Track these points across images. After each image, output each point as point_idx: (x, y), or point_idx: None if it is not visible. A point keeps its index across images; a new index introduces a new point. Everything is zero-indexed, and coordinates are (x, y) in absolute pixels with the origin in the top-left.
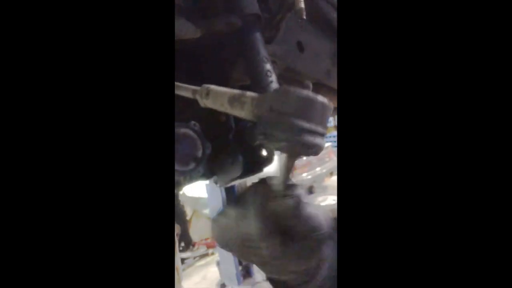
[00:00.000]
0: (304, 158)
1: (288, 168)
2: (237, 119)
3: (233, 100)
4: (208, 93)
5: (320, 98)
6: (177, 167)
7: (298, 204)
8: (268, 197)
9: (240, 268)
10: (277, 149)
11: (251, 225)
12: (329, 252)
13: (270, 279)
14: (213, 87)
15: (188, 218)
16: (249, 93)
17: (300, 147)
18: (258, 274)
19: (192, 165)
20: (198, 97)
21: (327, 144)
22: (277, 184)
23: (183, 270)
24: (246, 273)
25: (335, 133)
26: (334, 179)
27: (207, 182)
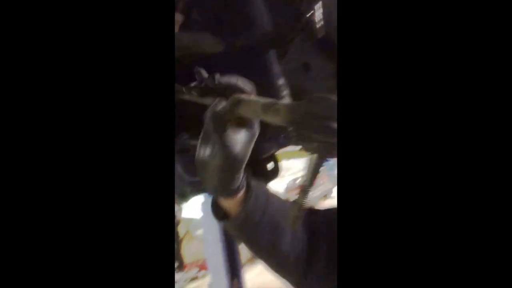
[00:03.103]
0: (297, 181)
1: (316, 168)
2: None
3: (267, 107)
4: (239, 101)
5: None
6: (186, 177)
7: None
8: None
9: None
10: (309, 150)
11: None
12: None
13: None
14: (244, 96)
15: (180, 239)
16: (282, 102)
17: (331, 147)
18: None
19: None
20: (227, 106)
21: (321, 168)
22: (305, 181)
23: None
24: None
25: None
26: (328, 202)
27: (202, 200)
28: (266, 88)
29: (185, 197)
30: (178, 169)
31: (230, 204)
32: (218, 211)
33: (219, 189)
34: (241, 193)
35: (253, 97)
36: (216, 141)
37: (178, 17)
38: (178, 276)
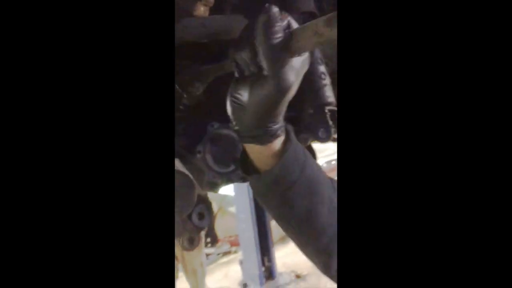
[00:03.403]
0: (333, 163)
1: None
2: None
3: (323, 24)
4: (291, 34)
5: None
6: (216, 168)
7: None
8: None
9: (263, 269)
10: None
11: None
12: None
13: None
14: (294, 28)
15: (213, 214)
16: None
17: None
18: (281, 277)
19: (231, 167)
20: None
21: None
22: None
23: (207, 266)
24: (269, 275)
25: None
26: None
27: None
28: (305, 75)
29: (215, 187)
30: (208, 159)
31: (264, 154)
32: (247, 164)
33: (255, 131)
34: (278, 142)
35: (302, 25)
36: (268, 67)
37: None
38: (211, 250)
